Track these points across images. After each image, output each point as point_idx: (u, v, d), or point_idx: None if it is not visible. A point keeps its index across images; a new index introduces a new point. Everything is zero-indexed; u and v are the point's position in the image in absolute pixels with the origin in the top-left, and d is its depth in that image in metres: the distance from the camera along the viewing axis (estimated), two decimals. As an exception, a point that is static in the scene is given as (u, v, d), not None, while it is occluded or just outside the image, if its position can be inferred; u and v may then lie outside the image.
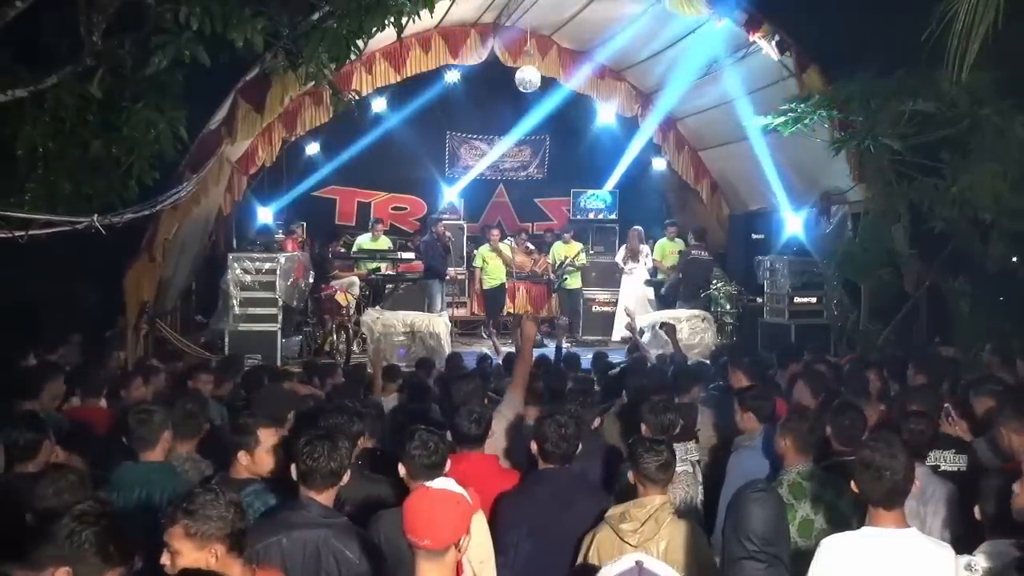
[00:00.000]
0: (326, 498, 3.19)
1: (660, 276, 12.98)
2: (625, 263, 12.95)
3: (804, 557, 3.10)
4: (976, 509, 3.16)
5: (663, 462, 3.41)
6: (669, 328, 9.39)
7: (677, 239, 13.13)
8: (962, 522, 3.57)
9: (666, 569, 2.29)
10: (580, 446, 3.81)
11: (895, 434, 3.45)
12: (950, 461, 4.39)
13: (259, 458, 3.67)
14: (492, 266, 13.03)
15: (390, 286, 11.94)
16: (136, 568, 2.54)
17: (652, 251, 13.20)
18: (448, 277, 12.92)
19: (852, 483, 3.00)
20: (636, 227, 13.17)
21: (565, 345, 11.79)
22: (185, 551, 2.55)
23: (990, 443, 4.48)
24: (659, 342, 10.75)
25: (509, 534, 3.50)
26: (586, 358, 8.84)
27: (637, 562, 2.25)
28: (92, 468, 4.00)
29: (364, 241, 12.67)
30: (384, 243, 12.78)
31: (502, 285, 13.11)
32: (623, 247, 13.18)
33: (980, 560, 2.94)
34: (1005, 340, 8.21)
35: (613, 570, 2.43)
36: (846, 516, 3.59)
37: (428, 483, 2.57)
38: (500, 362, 8.76)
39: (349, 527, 3.16)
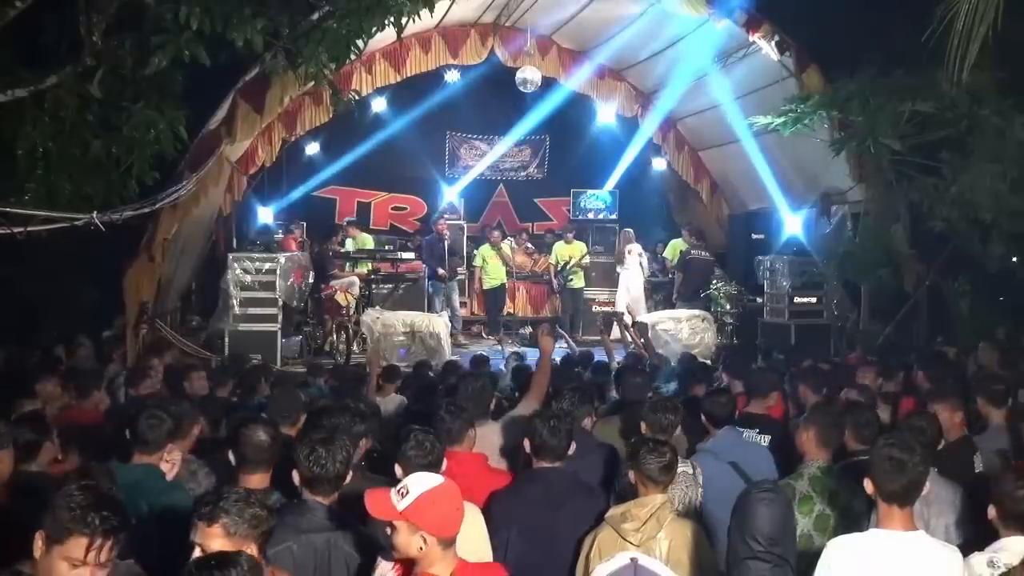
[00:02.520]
0: (331, 501, 3.18)
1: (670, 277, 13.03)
2: (619, 264, 12.99)
3: (818, 553, 3.08)
4: (990, 508, 3.12)
5: (666, 463, 3.39)
6: (641, 327, 9.38)
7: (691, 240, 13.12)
8: (971, 524, 3.56)
9: (660, 566, 2.29)
10: (574, 445, 3.79)
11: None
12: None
13: None
14: (492, 266, 13.04)
15: (389, 286, 11.93)
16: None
17: (664, 250, 13.31)
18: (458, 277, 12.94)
19: (867, 480, 2.97)
20: (625, 229, 13.20)
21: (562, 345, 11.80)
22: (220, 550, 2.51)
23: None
24: (659, 342, 10.77)
25: (499, 534, 3.49)
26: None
27: (632, 559, 2.25)
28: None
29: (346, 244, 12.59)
30: (365, 241, 12.72)
31: (502, 285, 13.11)
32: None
33: (1003, 556, 2.92)
34: (1011, 339, 8.25)
35: (608, 568, 2.44)
36: (859, 516, 3.56)
37: (413, 483, 2.63)
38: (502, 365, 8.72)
39: (356, 529, 3.15)
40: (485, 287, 13.19)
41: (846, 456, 4.12)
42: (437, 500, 2.60)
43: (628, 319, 11.13)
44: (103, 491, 2.46)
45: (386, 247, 12.90)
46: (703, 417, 4.68)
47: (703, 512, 3.92)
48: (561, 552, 3.48)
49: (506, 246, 13.31)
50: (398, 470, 3.41)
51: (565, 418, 3.84)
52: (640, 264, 12.77)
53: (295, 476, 3.19)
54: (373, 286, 11.80)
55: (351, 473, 3.26)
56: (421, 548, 2.58)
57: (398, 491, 2.62)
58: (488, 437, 4.34)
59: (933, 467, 3.49)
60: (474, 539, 3.23)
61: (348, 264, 12.12)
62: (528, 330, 12.48)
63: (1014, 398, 5.18)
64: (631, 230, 13.14)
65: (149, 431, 3.79)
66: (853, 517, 3.59)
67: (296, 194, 13.39)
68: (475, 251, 13.47)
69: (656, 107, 12.97)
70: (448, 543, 2.62)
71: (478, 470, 3.89)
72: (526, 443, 3.77)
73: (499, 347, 11.86)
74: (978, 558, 2.92)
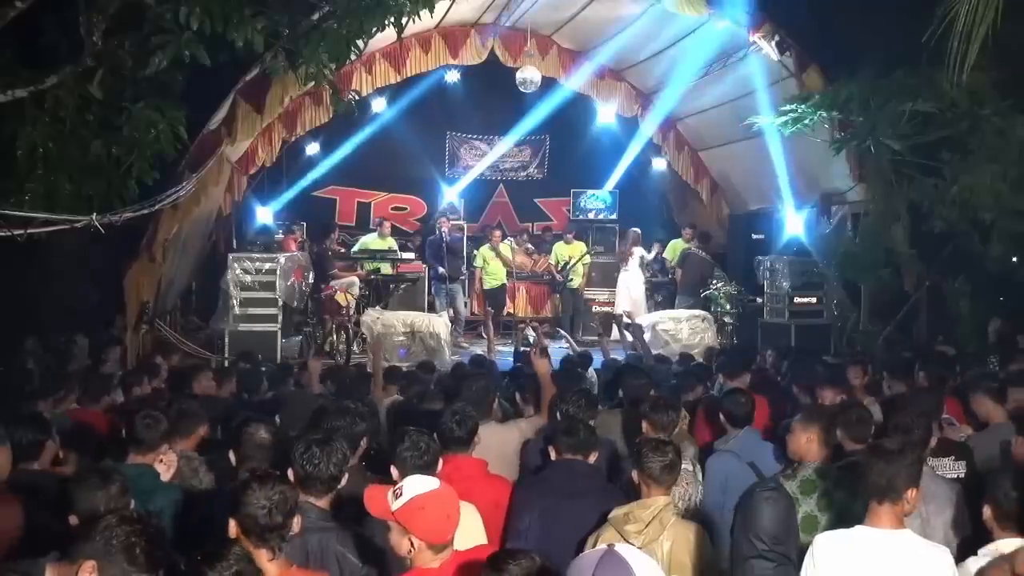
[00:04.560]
0: (324, 502, 3.17)
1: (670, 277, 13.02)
2: (622, 264, 12.98)
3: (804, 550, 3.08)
4: (985, 508, 3.09)
5: (668, 463, 3.39)
6: (636, 328, 9.40)
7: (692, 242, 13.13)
8: (968, 524, 3.55)
9: (635, 553, 2.30)
10: (597, 454, 3.87)
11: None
12: (949, 468, 4.37)
13: None
14: (492, 266, 13.03)
15: (389, 286, 11.91)
16: None
17: (664, 250, 13.35)
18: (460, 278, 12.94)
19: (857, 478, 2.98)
20: (633, 229, 13.17)
21: (563, 345, 11.79)
22: None
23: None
24: (659, 342, 10.77)
25: (522, 519, 3.54)
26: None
27: (609, 545, 2.28)
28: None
29: (370, 240, 12.58)
30: (390, 243, 12.73)
31: (503, 285, 13.11)
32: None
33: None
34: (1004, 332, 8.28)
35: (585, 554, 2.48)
36: (857, 517, 3.57)
37: (408, 485, 2.67)
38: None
39: (351, 529, 3.14)
40: (486, 287, 13.19)
41: (843, 456, 4.12)
42: (427, 505, 2.63)
43: (627, 321, 11.13)
44: (152, 528, 2.47)
45: (389, 248, 12.88)
46: (722, 417, 4.68)
47: (721, 512, 3.93)
48: (576, 542, 3.47)
49: (506, 246, 13.31)
50: (393, 471, 3.41)
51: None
52: (640, 266, 12.80)
53: (289, 474, 3.18)
54: (386, 286, 11.78)
55: (347, 476, 3.26)
56: (410, 550, 2.65)
57: (394, 492, 2.68)
58: (490, 439, 4.35)
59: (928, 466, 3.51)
60: (470, 538, 3.23)
61: (360, 265, 12.12)
62: (528, 331, 12.47)
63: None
64: (639, 231, 13.12)
65: (144, 431, 3.80)
66: (852, 517, 3.59)
67: (296, 194, 13.38)
68: (475, 251, 13.47)
69: (656, 107, 12.95)
70: (439, 548, 2.65)
71: (477, 475, 3.90)
72: (550, 448, 3.88)
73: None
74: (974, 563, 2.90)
